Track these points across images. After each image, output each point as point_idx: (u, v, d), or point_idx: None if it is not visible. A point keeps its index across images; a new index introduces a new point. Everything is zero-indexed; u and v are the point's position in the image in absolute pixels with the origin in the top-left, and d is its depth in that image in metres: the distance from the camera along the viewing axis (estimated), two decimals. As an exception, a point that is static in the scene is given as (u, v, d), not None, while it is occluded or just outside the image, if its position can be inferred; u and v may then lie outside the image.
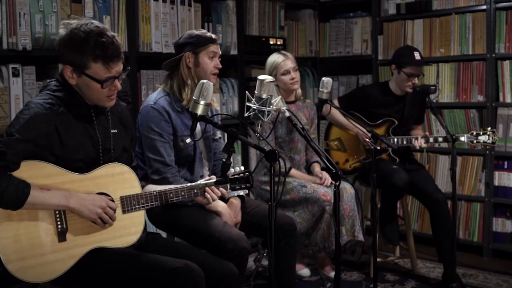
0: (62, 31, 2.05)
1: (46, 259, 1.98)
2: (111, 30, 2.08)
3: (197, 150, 2.77)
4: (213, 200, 2.35)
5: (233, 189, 2.30)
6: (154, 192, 2.18)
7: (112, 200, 2.10)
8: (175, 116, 2.69)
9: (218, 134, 2.95)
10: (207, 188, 2.30)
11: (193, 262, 2.13)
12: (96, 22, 2.06)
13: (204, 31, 2.79)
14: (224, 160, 2.21)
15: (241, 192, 2.82)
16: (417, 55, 3.56)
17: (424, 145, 3.50)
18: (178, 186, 2.26)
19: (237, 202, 2.80)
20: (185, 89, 2.70)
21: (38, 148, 1.98)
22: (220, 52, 2.81)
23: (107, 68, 2.03)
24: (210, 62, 2.74)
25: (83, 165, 2.09)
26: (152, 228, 3.10)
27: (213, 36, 2.78)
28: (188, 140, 2.71)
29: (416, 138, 3.51)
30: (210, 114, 2.81)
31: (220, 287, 2.28)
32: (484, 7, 3.96)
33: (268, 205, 2.12)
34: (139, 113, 2.76)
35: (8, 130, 1.96)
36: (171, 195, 2.21)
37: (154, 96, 2.74)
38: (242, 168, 2.32)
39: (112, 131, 2.21)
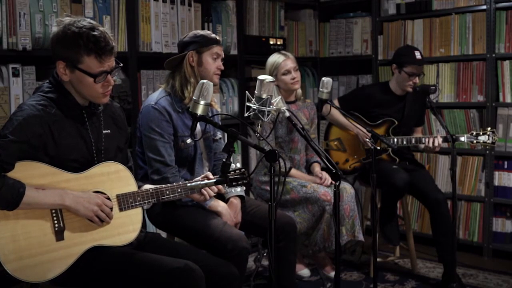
0: (55, 29, 2.06)
1: (44, 258, 1.98)
2: (110, 31, 2.10)
3: (197, 150, 2.77)
4: (210, 196, 2.35)
5: (229, 185, 2.30)
6: (150, 190, 2.18)
7: (108, 199, 2.10)
8: (175, 117, 2.69)
9: (219, 134, 2.95)
10: None
11: (193, 262, 2.14)
12: (88, 19, 2.08)
13: (209, 32, 2.81)
14: (224, 160, 2.21)
15: (238, 189, 2.82)
16: (417, 55, 3.56)
17: (440, 142, 3.48)
18: (175, 184, 2.26)
19: (237, 202, 2.80)
20: (187, 87, 2.71)
21: (32, 149, 1.99)
22: (223, 55, 2.82)
23: (100, 62, 2.04)
24: (213, 63, 2.75)
25: (78, 165, 2.10)
26: (152, 228, 3.10)
27: (218, 37, 2.79)
28: (188, 141, 2.71)
29: (435, 137, 3.49)
30: (210, 114, 2.81)
31: (220, 287, 2.28)
32: (484, 7, 3.96)
33: (268, 205, 2.12)
34: (139, 113, 2.76)
35: (2, 132, 1.97)
36: (168, 192, 2.21)
37: (155, 96, 2.74)
38: (238, 165, 2.32)
39: (105, 131, 2.21)
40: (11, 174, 1.94)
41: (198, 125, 2.67)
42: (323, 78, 2.98)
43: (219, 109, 3.04)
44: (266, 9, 4.32)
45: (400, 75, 3.62)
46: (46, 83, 2.14)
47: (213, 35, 2.78)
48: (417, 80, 3.60)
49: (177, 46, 2.89)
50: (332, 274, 3.56)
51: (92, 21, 2.07)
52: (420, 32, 4.29)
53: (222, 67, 2.80)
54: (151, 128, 2.65)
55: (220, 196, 2.76)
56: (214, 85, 2.82)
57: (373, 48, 4.53)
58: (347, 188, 3.36)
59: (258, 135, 2.30)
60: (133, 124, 3.28)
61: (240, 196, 2.83)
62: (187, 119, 2.71)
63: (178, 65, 2.76)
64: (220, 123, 2.89)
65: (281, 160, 2.13)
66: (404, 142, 3.57)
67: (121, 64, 2.15)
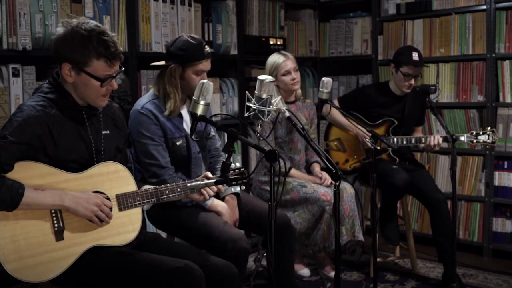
0: (60, 30, 2.06)
1: (44, 258, 1.98)
2: (110, 30, 2.11)
3: (191, 150, 2.76)
4: (210, 196, 2.35)
5: (229, 185, 2.30)
6: (150, 190, 2.19)
7: (108, 198, 2.10)
8: (163, 119, 2.66)
9: (212, 132, 2.93)
10: None
11: (193, 262, 2.14)
12: (94, 22, 2.08)
13: (199, 42, 2.66)
14: (224, 160, 2.21)
15: (237, 188, 2.82)
16: (415, 56, 3.54)
17: (440, 141, 3.49)
18: (174, 184, 2.26)
19: (233, 200, 2.80)
20: (168, 101, 2.65)
21: (32, 149, 1.99)
22: (209, 68, 2.71)
23: (109, 66, 2.05)
24: (196, 77, 2.65)
25: (77, 165, 2.10)
26: (152, 228, 3.10)
27: (208, 50, 2.67)
28: (178, 142, 2.70)
29: (435, 136, 3.50)
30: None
31: (220, 287, 2.28)
32: (484, 7, 3.96)
33: (265, 203, 2.12)
34: (129, 118, 2.70)
35: (1, 132, 1.97)
36: (167, 192, 2.22)
37: (142, 100, 2.71)
38: (238, 164, 2.32)
39: (104, 132, 2.22)
40: (10, 174, 1.94)
41: (206, 125, 2.65)
42: (323, 78, 2.98)
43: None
44: (266, 9, 4.32)
45: (397, 74, 3.63)
46: (46, 84, 2.14)
47: (202, 48, 2.64)
48: (412, 81, 3.59)
49: (165, 48, 2.78)
50: (332, 274, 3.56)
51: (99, 24, 2.07)
52: (420, 32, 4.29)
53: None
54: (140, 133, 2.64)
55: (216, 195, 2.75)
56: None
57: (373, 48, 4.53)
58: (347, 188, 3.36)
59: (258, 135, 2.30)
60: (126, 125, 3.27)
61: (235, 194, 2.83)
62: (175, 120, 2.70)
63: (162, 73, 2.70)
64: (214, 120, 2.85)
65: (281, 160, 2.13)
66: (404, 142, 3.57)
67: (123, 68, 2.16)
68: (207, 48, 2.68)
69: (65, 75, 2.07)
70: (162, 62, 2.72)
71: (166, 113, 2.65)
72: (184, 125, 2.73)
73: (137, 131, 2.64)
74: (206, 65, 2.68)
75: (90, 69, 2.04)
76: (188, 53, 2.63)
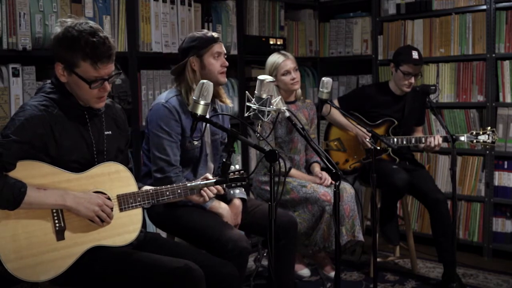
0: (57, 29, 2.06)
1: (45, 258, 1.98)
2: (110, 31, 2.09)
3: (203, 152, 2.76)
4: (209, 197, 2.35)
5: (228, 187, 2.30)
6: (151, 190, 2.18)
7: (109, 199, 2.10)
8: (184, 117, 2.68)
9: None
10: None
11: (193, 262, 2.14)
12: (91, 23, 2.07)
13: (205, 31, 2.78)
14: (224, 160, 2.21)
15: (237, 191, 2.82)
16: (414, 54, 3.55)
17: (440, 142, 3.49)
18: (175, 185, 2.26)
19: (239, 203, 2.80)
20: (191, 93, 2.68)
21: (34, 149, 1.99)
22: (225, 51, 2.79)
23: (95, 68, 2.03)
24: (216, 62, 2.72)
25: (79, 165, 2.10)
26: (152, 228, 3.11)
27: (215, 35, 2.76)
28: (195, 142, 2.70)
29: (435, 136, 3.50)
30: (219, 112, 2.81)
31: (220, 287, 2.28)
32: (484, 7, 3.97)
33: (268, 205, 2.12)
34: (149, 110, 2.75)
35: (4, 132, 1.97)
36: (168, 193, 2.22)
37: (168, 95, 2.73)
38: (237, 166, 2.32)
39: (106, 133, 2.22)
40: (13, 173, 1.94)
41: (207, 125, 2.66)
42: (323, 78, 2.98)
43: (231, 105, 2.99)
44: (266, 9, 4.32)
45: (397, 74, 3.64)
46: (48, 84, 2.14)
47: (210, 34, 2.75)
48: (412, 80, 3.60)
49: (178, 52, 2.84)
50: (332, 274, 3.56)
51: (94, 25, 2.05)
52: (420, 32, 4.29)
53: (227, 63, 2.77)
54: (159, 126, 2.65)
55: (221, 197, 2.75)
56: (222, 84, 2.80)
57: (373, 48, 4.53)
58: (347, 188, 3.36)
59: (258, 135, 2.30)
60: (133, 124, 3.29)
61: (242, 199, 2.83)
62: None
63: (182, 72, 2.74)
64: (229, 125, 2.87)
65: (281, 160, 2.13)
66: (404, 142, 3.57)
67: (120, 71, 2.16)
68: (214, 33, 2.77)
69: (59, 74, 2.07)
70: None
71: (190, 107, 2.65)
72: (203, 126, 2.72)
73: (156, 124, 2.65)
74: (220, 47, 2.75)
75: (79, 70, 2.04)
76: (200, 41, 2.71)
